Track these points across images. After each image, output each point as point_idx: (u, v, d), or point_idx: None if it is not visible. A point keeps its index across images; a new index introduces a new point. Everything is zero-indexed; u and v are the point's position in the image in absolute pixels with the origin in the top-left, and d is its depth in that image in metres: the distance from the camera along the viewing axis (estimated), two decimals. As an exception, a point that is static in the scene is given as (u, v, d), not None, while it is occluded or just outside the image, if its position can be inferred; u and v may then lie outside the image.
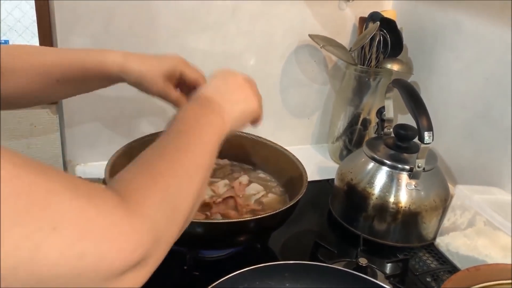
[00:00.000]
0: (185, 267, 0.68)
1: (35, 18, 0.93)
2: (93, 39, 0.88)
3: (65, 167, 0.99)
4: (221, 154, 0.89)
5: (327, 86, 1.11)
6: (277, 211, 0.65)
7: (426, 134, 0.73)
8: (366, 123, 1.03)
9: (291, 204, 0.67)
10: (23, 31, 1.19)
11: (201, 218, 0.71)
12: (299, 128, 1.15)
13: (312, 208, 0.93)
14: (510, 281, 0.68)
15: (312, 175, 0.98)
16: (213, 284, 0.55)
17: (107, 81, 0.68)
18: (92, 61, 0.65)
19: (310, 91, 1.11)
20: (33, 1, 0.89)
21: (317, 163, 1.09)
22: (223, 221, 0.69)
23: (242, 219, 0.67)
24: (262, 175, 0.87)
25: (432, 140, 0.74)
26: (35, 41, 0.90)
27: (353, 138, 1.05)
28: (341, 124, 1.07)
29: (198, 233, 0.65)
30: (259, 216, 0.64)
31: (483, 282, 0.67)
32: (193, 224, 0.64)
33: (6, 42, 1.29)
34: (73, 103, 0.92)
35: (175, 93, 0.68)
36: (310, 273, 0.60)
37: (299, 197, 0.69)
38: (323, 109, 1.14)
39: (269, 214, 0.65)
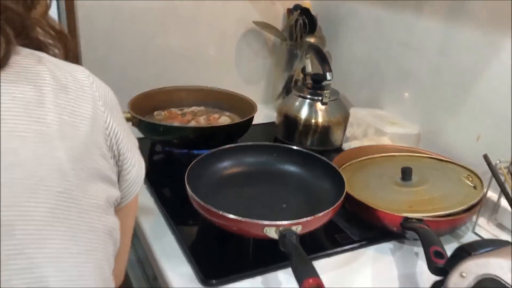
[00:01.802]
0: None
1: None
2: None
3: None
4: (200, 103, 1.31)
5: (268, 60, 1.55)
6: (238, 121, 1.08)
7: (327, 74, 1.17)
8: (297, 82, 1.48)
9: (247, 118, 1.10)
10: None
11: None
12: (252, 92, 1.55)
13: (263, 138, 1.35)
14: (381, 155, 1.12)
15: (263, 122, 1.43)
16: (201, 155, 0.96)
17: None
18: None
19: (257, 64, 1.55)
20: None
21: (266, 116, 1.52)
22: (206, 126, 1.10)
23: (217, 124, 1.10)
24: (228, 113, 1.29)
25: (332, 78, 1.18)
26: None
27: (289, 94, 1.49)
28: (280, 86, 1.51)
29: (191, 138, 1.06)
30: (227, 124, 1.07)
31: (362, 157, 1.10)
32: (188, 130, 1.06)
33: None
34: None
35: None
36: (264, 150, 1.02)
37: (253, 114, 1.11)
38: (267, 76, 1.58)
39: (233, 123, 1.08)
